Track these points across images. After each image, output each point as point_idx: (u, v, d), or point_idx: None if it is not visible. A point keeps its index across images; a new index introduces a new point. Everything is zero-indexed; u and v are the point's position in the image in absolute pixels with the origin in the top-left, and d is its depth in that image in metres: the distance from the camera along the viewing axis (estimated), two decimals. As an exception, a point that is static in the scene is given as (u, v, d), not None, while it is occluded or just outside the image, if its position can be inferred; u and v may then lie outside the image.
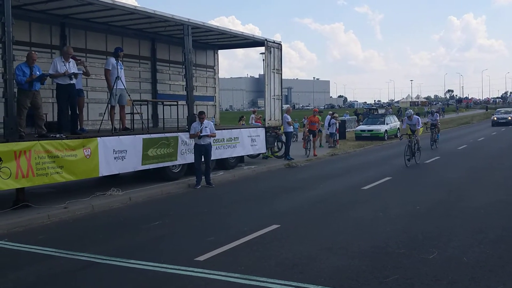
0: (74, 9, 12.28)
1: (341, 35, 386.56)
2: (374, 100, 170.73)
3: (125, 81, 12.72)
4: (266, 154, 19.12)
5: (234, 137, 16.00)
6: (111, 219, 9.61)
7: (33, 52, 10.72)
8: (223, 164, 15.73)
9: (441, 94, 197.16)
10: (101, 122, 12.81)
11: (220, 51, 19.73)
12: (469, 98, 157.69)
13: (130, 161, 12.00)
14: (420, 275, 5.82)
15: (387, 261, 6.37)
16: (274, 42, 18.03)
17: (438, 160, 18.35)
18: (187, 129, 13.72)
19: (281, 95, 18.70)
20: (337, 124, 25.54)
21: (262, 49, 18.04)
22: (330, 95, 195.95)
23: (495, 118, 44.07)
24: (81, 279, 6.06)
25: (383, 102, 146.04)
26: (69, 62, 11.11)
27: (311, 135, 20.63)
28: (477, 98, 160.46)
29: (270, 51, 17.60)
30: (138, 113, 13.48)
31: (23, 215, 9.29)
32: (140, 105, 14.42)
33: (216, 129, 13.90)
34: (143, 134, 12.63)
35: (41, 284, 5.97)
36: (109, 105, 12.46)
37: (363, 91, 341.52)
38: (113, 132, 12.12)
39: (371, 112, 46.26)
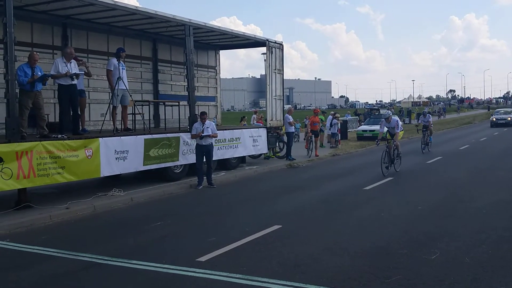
0: (75, 10, 12.31)
1: (342, 35, 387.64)
2: (376, 100, 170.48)
3: (127, 81, 12.73)
4: (267, 154, 19.10)
5: (236, 138, 16.00)
6: (113, 219, 9.61)
7: (35, 53, 10.74)
8: (225, 164, 15.73)
9: (443, 94, 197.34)
10: (103, 123, 12.82)
11: (221, 52, 19.74)
12: (471, 98, 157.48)
13: (132, 162, 12.00)
14: (422, 276, 5.81)
15: (389, 262, 6.36)
16: (275, 42, 18.03)
17: (440, 160, 18.33)
18: (188, 129, 13.72)
19: (283, 96, 18.70)
20: (339, 124, 25.53)
21: (264, 49, 18.06)
22: (332, 95, 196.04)
23: (494, 119, 41.50)
24: (83, 280, 6.06)
25: (385, 102, 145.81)
26: (70, 62, 11.14)
27: (313, 135, 20.62)
28: (479, 98, 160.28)
29: (272, 52, 17.60)
30: (139, 113, 13.50)
31: (25, 215, 9.29)
32: (142, 105, 14.45)
33: (217, 130, 13.89)
34: (144, 134, 12.62)
35: (43, 285, 5.97)
36: (111, 106, 12.47)
37: (364, 91, 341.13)
38: (115, 133, 12.13)
39: (372, 113, 46.21)
